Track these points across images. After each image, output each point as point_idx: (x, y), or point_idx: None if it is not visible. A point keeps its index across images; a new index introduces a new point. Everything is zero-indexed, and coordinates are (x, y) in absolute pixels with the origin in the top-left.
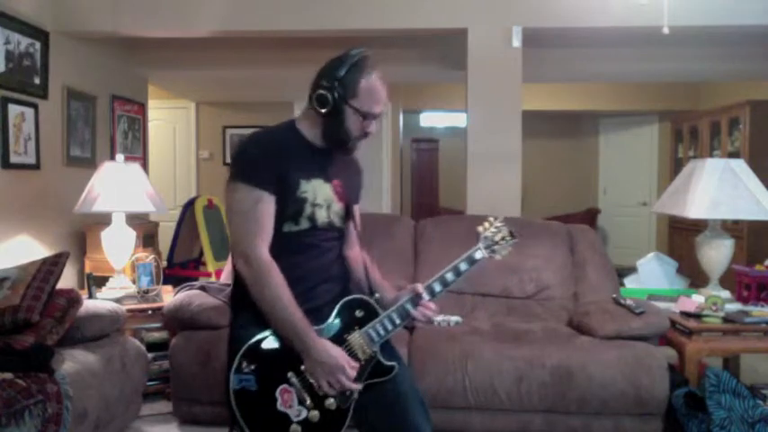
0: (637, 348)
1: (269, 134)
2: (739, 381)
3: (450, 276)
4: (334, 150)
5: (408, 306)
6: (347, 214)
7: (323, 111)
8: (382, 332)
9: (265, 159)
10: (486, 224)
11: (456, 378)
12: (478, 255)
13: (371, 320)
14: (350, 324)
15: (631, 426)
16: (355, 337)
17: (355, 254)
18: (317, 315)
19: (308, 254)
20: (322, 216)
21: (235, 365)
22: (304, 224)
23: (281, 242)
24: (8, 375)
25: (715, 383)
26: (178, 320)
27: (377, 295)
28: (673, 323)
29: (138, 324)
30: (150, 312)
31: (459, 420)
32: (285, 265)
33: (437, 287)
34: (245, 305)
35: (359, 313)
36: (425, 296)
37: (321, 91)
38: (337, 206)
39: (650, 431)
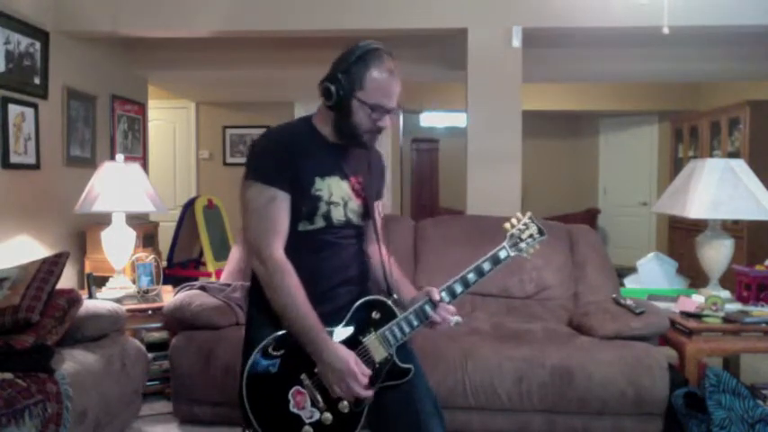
0: (637, 348)
1: (283, 131)
2: (739, 381)
3: (472, 277)
4: (349, 146)
5: (427, 308)
6: (366, 211)
7: (329, 104)
8: (399, 335)
9: (279, 157)
10: (514, 220)
11: (456, 378)
12: (503, 254)
13: (388, 322)
14: (366, 326)
15: (631, 426)
16: (371, 340)
17: (374, 251)
18: (335, 317)
19: (325, 252)
20: (338, 214)
21: (261, 347)
22: (319, 223)
23: (297, 241)
24: (8, 375)
25: (715, 383)
26: (178, 320)
27: (395, 296)
28: (673, 323)
29: (138, 324)
30: (150, 312)
31: (460, 420)
32: (302, 264)
33: (458, 288)
34: (263, 303)
35: (375, 315)
36: (446, 298)
37: (326, 83)
38: (355, 203)
39: (650, 431)
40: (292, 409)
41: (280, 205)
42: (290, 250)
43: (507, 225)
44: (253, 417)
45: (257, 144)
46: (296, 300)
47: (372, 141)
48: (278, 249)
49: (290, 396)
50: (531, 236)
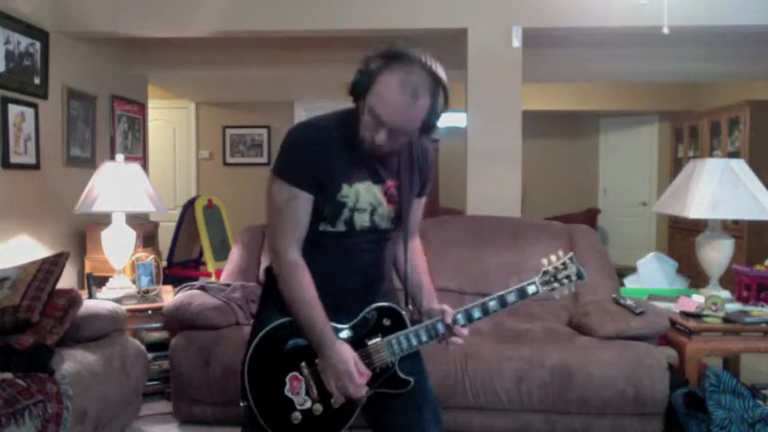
0: (637, 348)
1: (317, 128)
2: (739, 381)
3: (493, 305)
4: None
5: (439, 326)
6: (399, 217)
7: (351, 96)
8: (405, 346)
9: (306, 158)
10: (554, 258)
11: (456, 378)
12: (532, 289)
13: (398, 331)
14: (374, 330)
15: (631, 426)
16: (376, 344)
17: (400, 256)
18: (343, 316)
19: (342, 255)
20: (362, 220)
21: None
22: (340, 227)
23: (316, 239)
24: (8, 375)
25: (715, 383)
26: (178, 320)
27: (410, 307)
28: (673, 323)
29: (138, 324)
30: (150, 312)
31: (460, 420)
32: (317, 263)
33: (476, 314)
34: (274, 290)
35: (386, 321)
36: (461, 320)
37: (355, 73)
38: (385, 209)
39: (650, 431)
40: (286, 392)
41: (300, 205)
42: (308, 247)
43: (544, 261)
44: (249, 390)
45: (288, 138)
46: (305, 295)
47: (374, 151)
48: (292, 246)
49: (286, 379)
50: (567, 276)
